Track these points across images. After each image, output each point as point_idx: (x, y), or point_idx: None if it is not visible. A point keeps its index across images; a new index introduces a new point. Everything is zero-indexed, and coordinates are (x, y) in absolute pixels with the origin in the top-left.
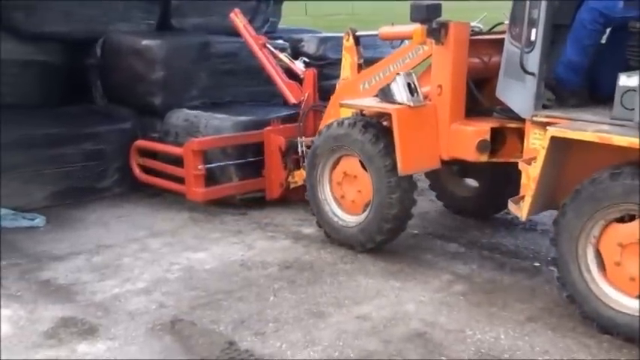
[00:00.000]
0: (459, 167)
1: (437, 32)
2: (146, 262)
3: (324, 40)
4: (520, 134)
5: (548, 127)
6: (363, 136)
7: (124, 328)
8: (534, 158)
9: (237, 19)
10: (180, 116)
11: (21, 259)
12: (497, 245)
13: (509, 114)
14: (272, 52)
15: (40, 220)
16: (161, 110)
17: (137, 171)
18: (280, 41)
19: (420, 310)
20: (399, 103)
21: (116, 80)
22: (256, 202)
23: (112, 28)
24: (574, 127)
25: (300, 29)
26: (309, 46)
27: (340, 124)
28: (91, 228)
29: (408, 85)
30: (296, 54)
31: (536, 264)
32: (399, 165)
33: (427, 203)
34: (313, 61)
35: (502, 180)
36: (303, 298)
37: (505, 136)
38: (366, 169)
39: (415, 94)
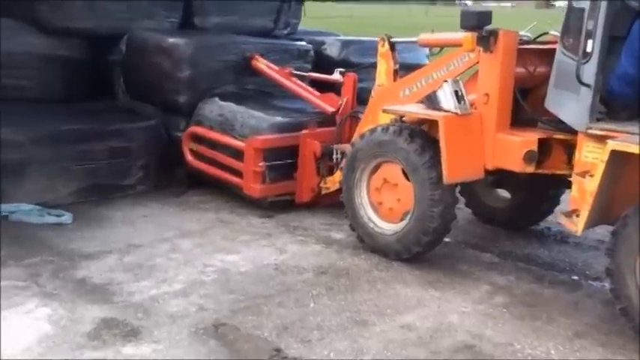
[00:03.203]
0: (494, 177)
1: (486, 40)
2: (179, 263)
3: (346, 44)
4: (566, 146)
5: (608, 141)
6: (409, 146)
7: (167, 330)
8: (588, 171)
9: (259, 62)
10: (213, 109)
11: (52, 257)
12: (532, 257)
13: (557, 125)
14: (302, 76)
15: (67, 217)
16: (185, 109)
17: (189, 157)
18: (303, 43)
19: (464, 322)
20: (446, 111)
21: (140, 77)
22: (281, 205)
23: (136, 25)
24: (636, 141)
25: (319, 32)
26: (332, 50)
27: (385, 130)
28: (118, 226)
29: (455, 92)
30: (319, 57)
31: (575, 277)
32: (444, 173)
33: (456, 211)
34: (334, 66)
35: (537, 193)
36: (344, 306)
37: (550, 147)
38: (407, 178)
39: (462, 102)
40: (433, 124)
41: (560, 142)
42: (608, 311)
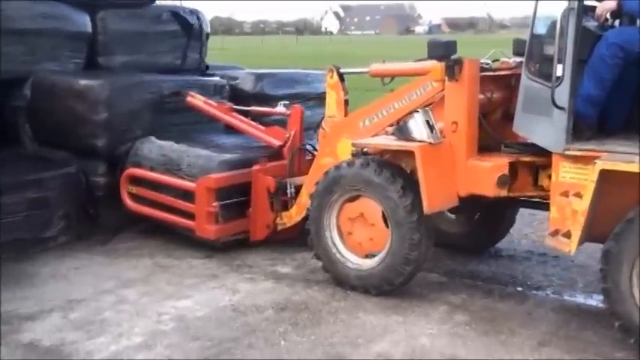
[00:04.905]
0: None
1: (451, 69)
2: (131, 314)
3: (260, 77)
4: (532, 168)
5: (596, 161)
6: (400, 200)
7: None
8: (567, 192)
9: (195, 99)
10: (153, 149)
11: None
12: (475, 273)
13: (523, 148)
14: (244, 111)
15: None
16: (104, 152)
17: (128, 201)
18: (218, 78)
19: (435, 344)
20: (419, 141)
21: (50, 122)
22: (220, 244)
23: (39, 67)
24: (623, 160)
25: (227, 66)
26: (245, 83)
27: (378, 173)
28: (50, 282)
29: (427, 122)
30: (232, 91)
31: (519, 289)
32: (424, 203)
33: None
34: (251, 99)
35: (487, 217)
36: (315, 340)
37: (516, 170)
38: (386, 224)
39: (434, 131)
40: (402, 154)
41: (525, 164)
42: (560, 318)
